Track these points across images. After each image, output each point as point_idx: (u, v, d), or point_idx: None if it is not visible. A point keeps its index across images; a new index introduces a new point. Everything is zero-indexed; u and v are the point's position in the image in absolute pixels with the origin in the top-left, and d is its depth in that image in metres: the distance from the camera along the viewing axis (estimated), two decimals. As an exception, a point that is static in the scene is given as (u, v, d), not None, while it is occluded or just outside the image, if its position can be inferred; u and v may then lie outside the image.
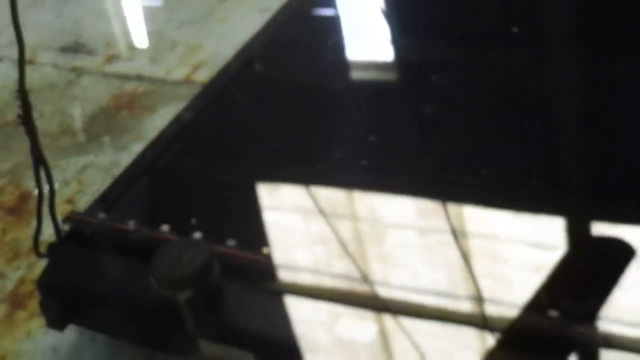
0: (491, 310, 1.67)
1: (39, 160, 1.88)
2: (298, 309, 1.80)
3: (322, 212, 1.94)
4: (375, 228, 1.91)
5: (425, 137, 2.15)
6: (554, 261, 1.71)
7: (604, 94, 2.11)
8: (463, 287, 1.72)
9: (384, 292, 1.75)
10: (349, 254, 1.82)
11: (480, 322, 1.67)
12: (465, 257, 1.77)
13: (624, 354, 1.56)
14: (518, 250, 1.78)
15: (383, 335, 1.69)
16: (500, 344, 1.63)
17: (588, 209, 1.86)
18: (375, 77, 2.48)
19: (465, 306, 1.70)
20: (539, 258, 1.74)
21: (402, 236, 1.87)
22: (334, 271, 1.81)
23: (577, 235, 1.81)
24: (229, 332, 1.76)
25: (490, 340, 1.63)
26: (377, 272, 1.79)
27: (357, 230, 1.91)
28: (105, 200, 2.08)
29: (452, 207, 1.88)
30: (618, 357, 1.57)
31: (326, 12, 2.72)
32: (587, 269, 1.74)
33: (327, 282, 1.81)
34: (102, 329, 2.02)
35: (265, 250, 1.87)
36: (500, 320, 1.65)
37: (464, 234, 1.83)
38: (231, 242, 1.86)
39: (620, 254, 1.70)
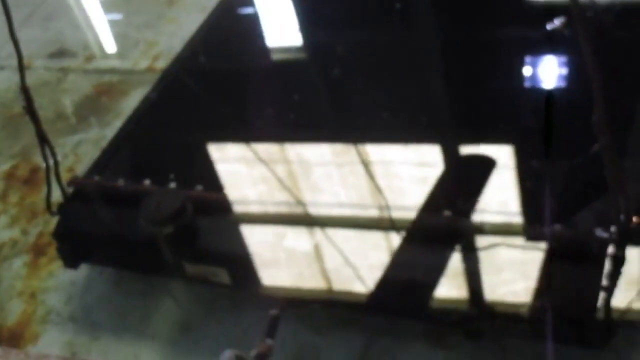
0: (393, 214, 1.70)
1: (43, 140, 1.83)
2: (252, 232, 1.80)
3: (261, 157, 1.93)
4: (303, 167, 1.90)
5: (335, 94, 2.13)
6: (436, 174, 1.74)
7: (466, 50, 2.12)
8: (370, 200, 1.75)
9: (313, 210, 1.76)
10: (285, 188, 1.82)
11: (387, 224, 1.70)
12: (370, 178, 1.79)
13: (495, 236, 1.60)
14: (408, 169, 1.81)
15: (315, 242, 1.71)
16: (408, 239, 1.66)
17: (457, 135, 1.89)
18: (292, 56, 2.44)
19: (373, 213, 1.73)
20: (423, 173, 1.77)
21: (324, 170, 1.87)
22: (276, 200, 1.82)
23: (451, 154, 1.84)
24: (204, 255, 1.75)
25: (395, 238, 1.65)
26: (307, 198, 1.80)
27: (290, 170, 1.90)
28: (98, 166, 2.03)
29: (359, 145, 1.89)
30: (493, 238, 1.61)
31: (249, 9, 2.65)
32: (464, 177, 1.77)
33: (271, 209, 1.81)
34: (107, 264, 2.00)
35: (225, 190, 1.85)
36: (401, 221, 1.68)
37: (368, 163, 1.84)
38: (199, 187, 1.85)
39: (486, 164, 1.74)
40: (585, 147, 1.27)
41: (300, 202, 1.79)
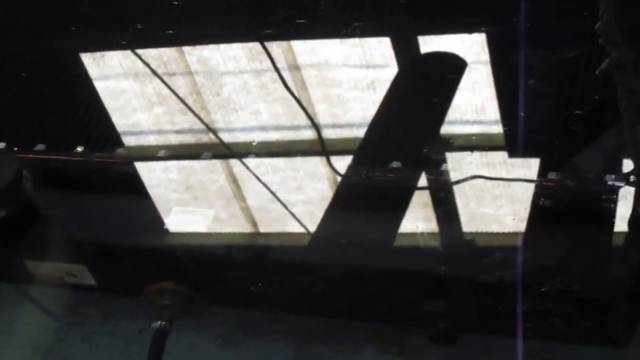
0: (333, 133, 1.52)
1: None
2: (136, 196, 1.46)
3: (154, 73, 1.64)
4: (211, 78, 1.64)
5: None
6: (388, 77, 1.55)
7: None
8: (303, 117, 1.55)
9: (228, 137, 1.55)
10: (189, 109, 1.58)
11: (324, 147, 1.49)
12: (301, 87, 1.59)
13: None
14: (350, 73, 1.59)
15: (234, 179, 1.49)
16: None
17: (412, 27, 1.66)
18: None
19: (308, 134, 1.53)
20: (371, 76, 1.57)
21: (238, 81, 1.64)
22: (177, 128, 1.57)
23: (407, 52, 1.61)
24: (56, 246, 1.43)
25: (336, 164, 1.45)
26: (219, 120, 1.58)
27: (193, 83, 1.66)
28: None
29: (281, 45, 1.66)
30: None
31: None
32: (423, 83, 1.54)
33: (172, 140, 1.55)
34: None
35: (80, 148, 1.51)
36: (343, 141, 1.50)
37: (297, 67, 1.63)
38: (41, 146, 1.51)
39: (455, 66, 1.52)
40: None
41: (208, 126, 1.52)
